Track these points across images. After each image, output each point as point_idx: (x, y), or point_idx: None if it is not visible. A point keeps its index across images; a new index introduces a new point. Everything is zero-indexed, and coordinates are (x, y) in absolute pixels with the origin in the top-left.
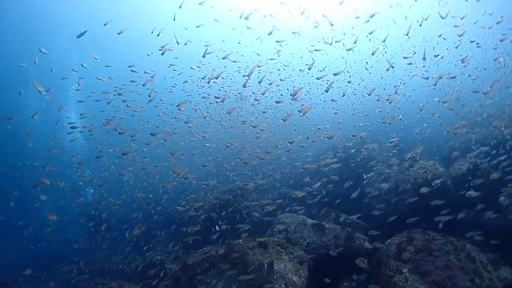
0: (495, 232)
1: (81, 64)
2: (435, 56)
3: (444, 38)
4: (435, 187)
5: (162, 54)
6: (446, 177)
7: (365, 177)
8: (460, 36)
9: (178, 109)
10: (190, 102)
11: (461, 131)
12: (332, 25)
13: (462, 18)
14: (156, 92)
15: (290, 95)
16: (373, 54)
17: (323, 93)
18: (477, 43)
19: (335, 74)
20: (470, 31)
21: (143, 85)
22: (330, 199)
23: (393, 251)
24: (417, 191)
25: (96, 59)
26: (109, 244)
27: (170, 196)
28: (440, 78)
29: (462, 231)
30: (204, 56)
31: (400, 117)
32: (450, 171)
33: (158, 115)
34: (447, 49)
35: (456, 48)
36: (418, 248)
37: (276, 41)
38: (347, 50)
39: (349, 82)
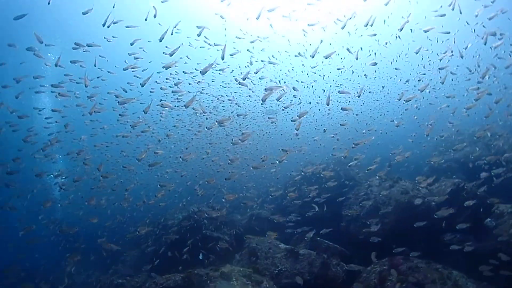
0: (482, 256)
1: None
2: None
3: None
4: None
5: (105, 25)
6: (429, 197)
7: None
8: (476, 16)
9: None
10: (135, 100)
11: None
12: None
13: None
14: (123, 90)
15: (326, 103)
16: (393, 36)
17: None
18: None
19: (348, 50)
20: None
21: (87, 84)
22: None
23: (373, 281)
24: (398, 214)
25: (40, 46)
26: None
27: (130, 216)
28: (486, 73)
29: (447, 256)
30: (160, 40)
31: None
32: (434, 191)
33: (97, 112)
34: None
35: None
36: (401, 278)
37: (267, 18)
38: (364, 26)
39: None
